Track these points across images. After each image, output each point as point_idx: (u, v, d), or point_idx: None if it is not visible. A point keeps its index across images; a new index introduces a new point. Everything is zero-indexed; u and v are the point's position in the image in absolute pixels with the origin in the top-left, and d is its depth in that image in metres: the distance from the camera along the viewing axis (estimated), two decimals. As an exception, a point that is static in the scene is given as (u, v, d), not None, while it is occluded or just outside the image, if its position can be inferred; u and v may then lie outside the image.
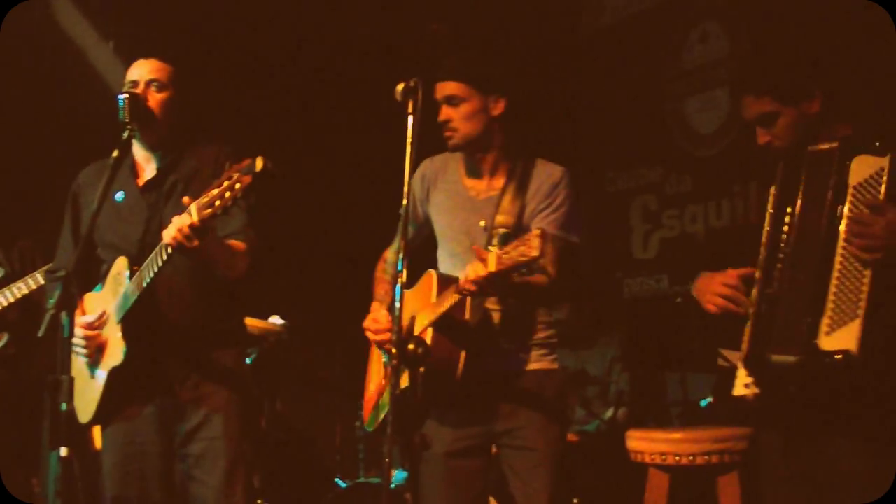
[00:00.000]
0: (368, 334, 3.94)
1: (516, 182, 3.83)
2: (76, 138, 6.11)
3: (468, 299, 3.64)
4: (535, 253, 3.22)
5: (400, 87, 3.36)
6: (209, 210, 3.33)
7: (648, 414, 6.27)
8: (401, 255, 3.27)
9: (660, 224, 7.30)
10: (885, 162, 3.11)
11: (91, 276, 3.93)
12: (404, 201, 3.33)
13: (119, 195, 3.89)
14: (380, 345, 3.94)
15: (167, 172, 3.88)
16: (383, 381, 3.99)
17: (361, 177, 7.63)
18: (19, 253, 5.47)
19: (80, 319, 3.81)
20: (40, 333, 3.33)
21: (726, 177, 6.69)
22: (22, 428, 5.43)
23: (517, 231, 3.71)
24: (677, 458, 4.36)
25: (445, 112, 3.83)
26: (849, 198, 3.15)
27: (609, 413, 6.08)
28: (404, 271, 3.27)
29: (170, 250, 3.47)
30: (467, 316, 3.69)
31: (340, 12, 7.61)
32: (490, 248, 3.62)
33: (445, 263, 3.94)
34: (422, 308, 3.77)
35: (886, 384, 3.14)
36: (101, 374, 3.81)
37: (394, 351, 3.20)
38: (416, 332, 3.71)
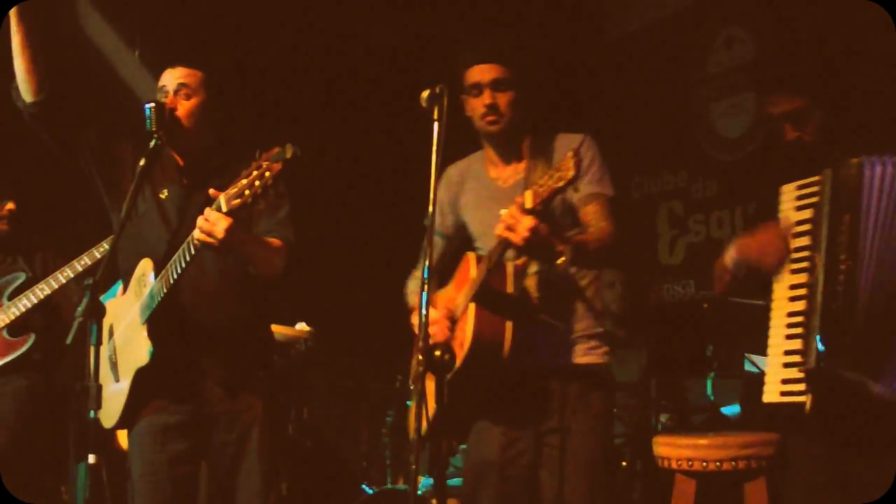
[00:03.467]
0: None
1: (541, 159, 3.68)
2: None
3: (509, 270, 3.55)
4: (571, 172, 3.05)
5: (425, 93, 3.32)
6: (238, 200, 3.25)
7: (675, 420, 6.24)
8: (426, 263, 3.24)
9: (686, 229, 7.29)
10: None
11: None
12: (430, 209, 3.28)
13: (164, 194, 3.84)
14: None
15: (210, 176, 3.71)
16: None
17: (389, 184, 7.65)
18: (41, 261, 5.52)
19: None
20: (68, 341, 3.32)
21: (752, 181, 6.67)
22: (50, 434, 5.46)
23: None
24: (704, 464, 4.34)
25: (490, 96, 3.68)
26: None
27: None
28: (430, 279, 3.20)
29: (198, 245, 3.40)
30: (509, 288, 3.56)
31: (367, 17, 7.63)
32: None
33: None
34: (461, 288, 3.67)
35: None
36: (126, 376, 3.76)
37: (420, 357, 3.16)
38: (459, 311, 3.61)
